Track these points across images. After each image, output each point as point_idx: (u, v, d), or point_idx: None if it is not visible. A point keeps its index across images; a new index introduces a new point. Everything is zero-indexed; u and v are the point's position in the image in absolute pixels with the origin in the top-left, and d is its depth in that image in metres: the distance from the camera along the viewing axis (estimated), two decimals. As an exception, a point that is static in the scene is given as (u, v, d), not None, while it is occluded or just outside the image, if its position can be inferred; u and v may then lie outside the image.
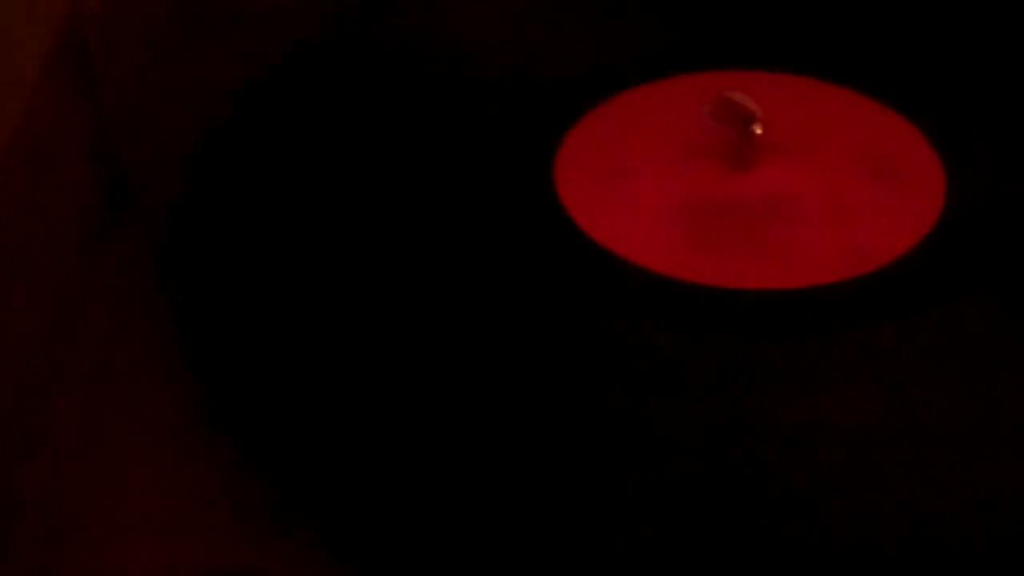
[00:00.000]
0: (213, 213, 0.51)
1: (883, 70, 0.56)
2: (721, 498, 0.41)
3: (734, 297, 0.47)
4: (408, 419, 0.43)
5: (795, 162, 0.52)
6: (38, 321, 0.47)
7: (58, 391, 0.46)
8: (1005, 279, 0.47)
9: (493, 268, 0.49)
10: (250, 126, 0.55)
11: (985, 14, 0.59)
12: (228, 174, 0.53)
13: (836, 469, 0.41)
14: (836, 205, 0.50)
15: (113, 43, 0.54)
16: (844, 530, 0.40)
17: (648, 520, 0.40)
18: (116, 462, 0.44)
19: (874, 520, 0.40)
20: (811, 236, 0.49)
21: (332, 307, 0.47)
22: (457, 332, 0.46)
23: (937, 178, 0.51)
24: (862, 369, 0.44)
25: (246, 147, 0.54)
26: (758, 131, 0.51)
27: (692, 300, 0.47)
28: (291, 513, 0.42)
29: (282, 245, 0.50)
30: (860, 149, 0.52)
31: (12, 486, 0.43)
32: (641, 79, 0.56)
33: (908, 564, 0.39)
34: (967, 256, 0.48)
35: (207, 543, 0.41)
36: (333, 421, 0.43)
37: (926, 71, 0.56)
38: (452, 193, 0.51)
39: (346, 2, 0.60)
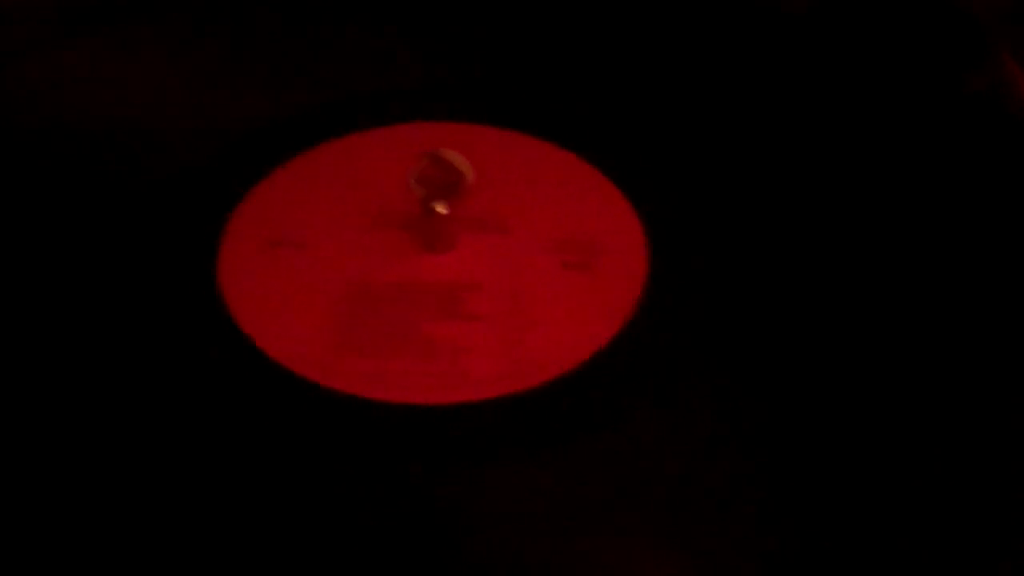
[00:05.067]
0: None
1: (603, 135, 0.51)
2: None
3: (378, 411, 0.42)
4: None
5: (485, 245, 0.47)
6: None
7: None
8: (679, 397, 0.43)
9: (142, 352, 0.44)
10: None
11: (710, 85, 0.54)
12: None
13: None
14: (516, 301, 0.45)
15: None
16: None
17: None
18: None
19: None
20: (477, 339, 0.44)
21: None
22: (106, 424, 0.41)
23: (638, 269, 0.46)
24: (509, 503, 0.40)
25: None
26: (442, 211, 0.46)
27: (334, 410, 0.42)
28: None
29: None
30: (561, 230, 0.47)
31: None
32: (339, 131, 0.51)
33: None
34: (644, 370, 0.43)
35: None
36: None
37: (653, 146, 0.51)
38: (106, 258, 0.46)
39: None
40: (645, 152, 0.50)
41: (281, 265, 0.46)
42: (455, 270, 0.46)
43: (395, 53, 0.54)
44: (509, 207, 0.48)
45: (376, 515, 0.40)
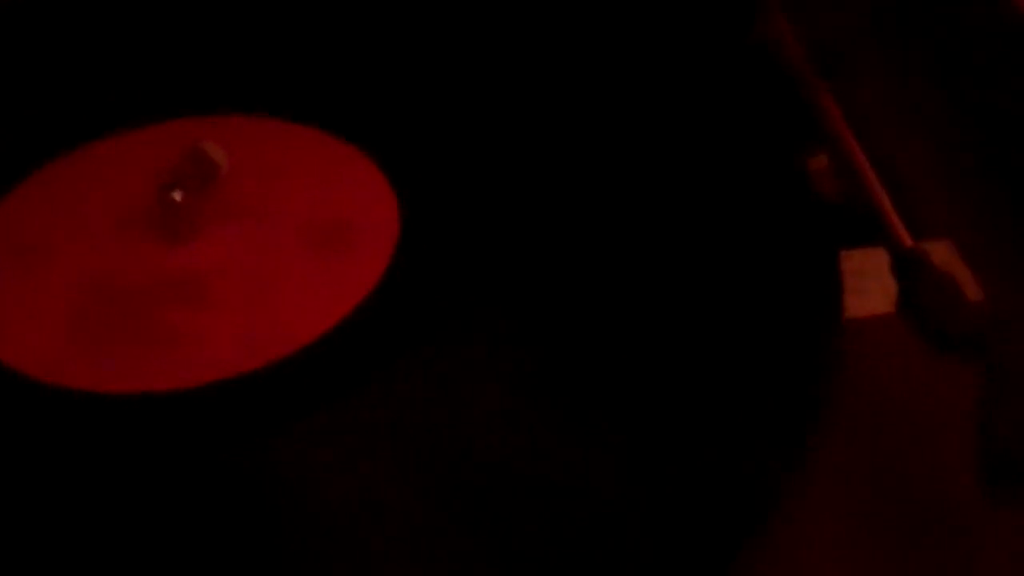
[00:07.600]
0: None
1: (355, 110, 0.50)
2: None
3: (108, 403, 0.41)
4: None
5: (235, 232, 0.46)
6: None
7: None
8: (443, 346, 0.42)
9: None
10: None
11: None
12: None
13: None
14: (262, 284, 0.44)
15: None
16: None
17: None
18: None
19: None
20: (220, 323, 0.43)
21: None
22: None
23: (388, 241, 0.45)
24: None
25: None
26: (178, 198, 0.45)
27: (64, 407, 0.41)
28: None
29: None
30: (313, 213, 0.46)
31: None
32: (97, 134, 0.50)
33: None
34: (396, 332, 0.42)
35: None
36: None
37: (406, 115, 0.50)
38: None
39: None
40: (406, 131, 0.49)
41: (24, 270, 0.45)
42: (201, 260, 0.45)
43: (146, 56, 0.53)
44: (266, 194, 0.47)
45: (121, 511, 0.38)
